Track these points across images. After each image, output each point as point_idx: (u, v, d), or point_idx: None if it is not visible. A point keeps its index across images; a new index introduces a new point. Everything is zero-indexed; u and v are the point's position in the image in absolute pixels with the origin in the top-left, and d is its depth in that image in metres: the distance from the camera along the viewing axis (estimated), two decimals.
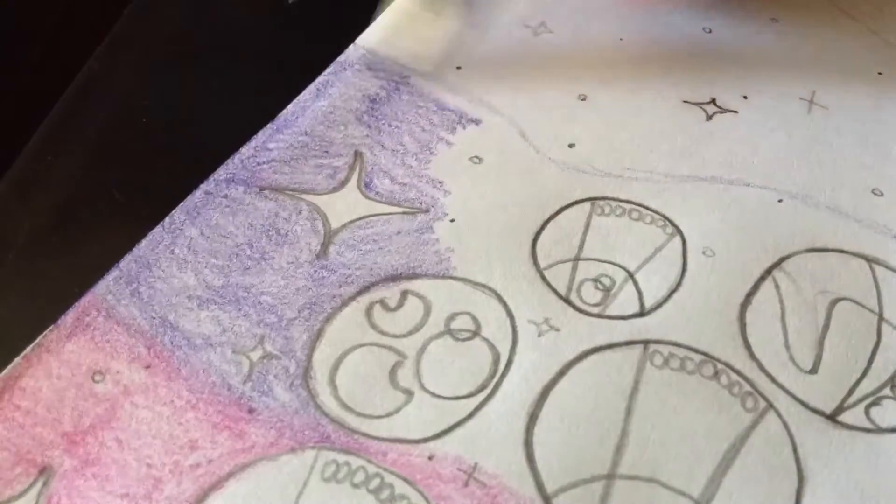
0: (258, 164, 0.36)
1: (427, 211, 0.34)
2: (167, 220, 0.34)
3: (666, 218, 0.34)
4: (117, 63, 0.40)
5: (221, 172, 0.35)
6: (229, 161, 0.36)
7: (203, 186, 0.35)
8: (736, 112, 0.38)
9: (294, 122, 0.37)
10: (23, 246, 0.34)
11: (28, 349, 0.31)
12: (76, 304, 0.32)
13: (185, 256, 0.33)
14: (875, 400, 0.31)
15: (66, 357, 0.31)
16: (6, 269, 0.34)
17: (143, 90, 0.39)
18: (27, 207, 0.35)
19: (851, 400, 0.31)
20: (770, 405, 0.30)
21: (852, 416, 0.30)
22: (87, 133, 0.38)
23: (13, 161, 0.37)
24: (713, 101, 0.38)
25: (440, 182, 0.35)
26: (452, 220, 0.34)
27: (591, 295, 0.32)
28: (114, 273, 0.33)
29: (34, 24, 0.43)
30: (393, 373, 0.31)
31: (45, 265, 0.34)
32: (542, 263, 0.33)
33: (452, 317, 0.32)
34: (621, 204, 0.35)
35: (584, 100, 0.38)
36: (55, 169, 0.36)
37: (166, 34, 0.41)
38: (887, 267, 0.34)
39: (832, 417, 0.30)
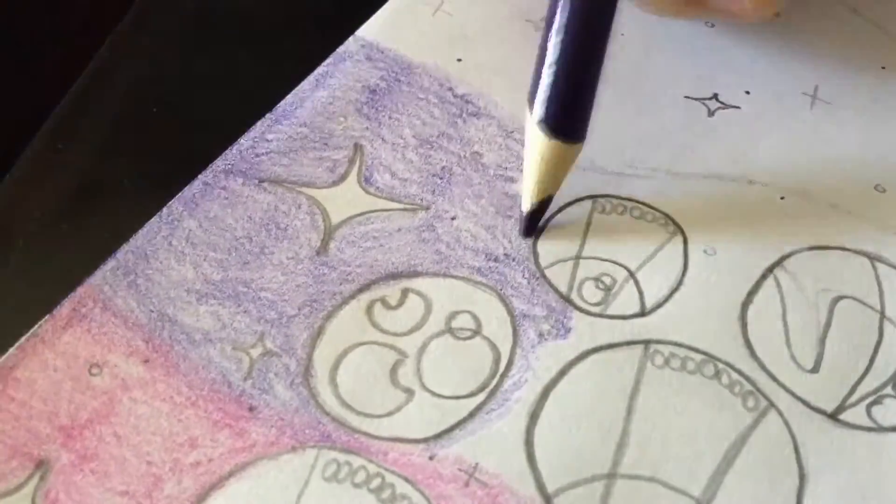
0: (257, 155, 0.35)
1: (428, 208, 0.34)
2: (164, 210, 0.34)
3: (667, 216, 0.34)
4: (130, 50, 0.40)
5: (220, 163, 0.35)
6: (228, 152, 0.35)
7: (201, 177, 0.35)
8: (738, 107, 0.38)
9: (293, 112, 0.36)
10: (33, 232, 0.34)
11: (23, 339, 0.30)
12: (71, 294, 0.31)
13: (183, 249, 0.33)
14: (877, 399, 0.31)
15: (61, 348, 0.30)
16: (16, 255, 0.33)
17: (156, 78, 0.39)
18: (38, 194, 0.35)
19: (853, 399, 0.31)
20: (771, 404, 0.30)
21: (854, 414, 0.30)
22: (99, 121, 0.37)
23: (25, 147, 0.36)
24: (715, 97, 0.38)
25: (441, 178, 0.35)
26: (454, 218, 0.34)
27: (592, 294, 0.32)
28: (110, 263, 0.32)
29: (47, 11, 0.43)
30: (394, 372, 0.31)
31: (55, 253, 0.34)
32: (543, 262, 0.33)
33: (453, 315, 0.32)
34: (622, 202, 0.35)
35: None
36: (67, 156, 0.36)
37: (178, 21, 0.41)
38: (889, 264, 0.33)
39: (834, 416, 0.30)
